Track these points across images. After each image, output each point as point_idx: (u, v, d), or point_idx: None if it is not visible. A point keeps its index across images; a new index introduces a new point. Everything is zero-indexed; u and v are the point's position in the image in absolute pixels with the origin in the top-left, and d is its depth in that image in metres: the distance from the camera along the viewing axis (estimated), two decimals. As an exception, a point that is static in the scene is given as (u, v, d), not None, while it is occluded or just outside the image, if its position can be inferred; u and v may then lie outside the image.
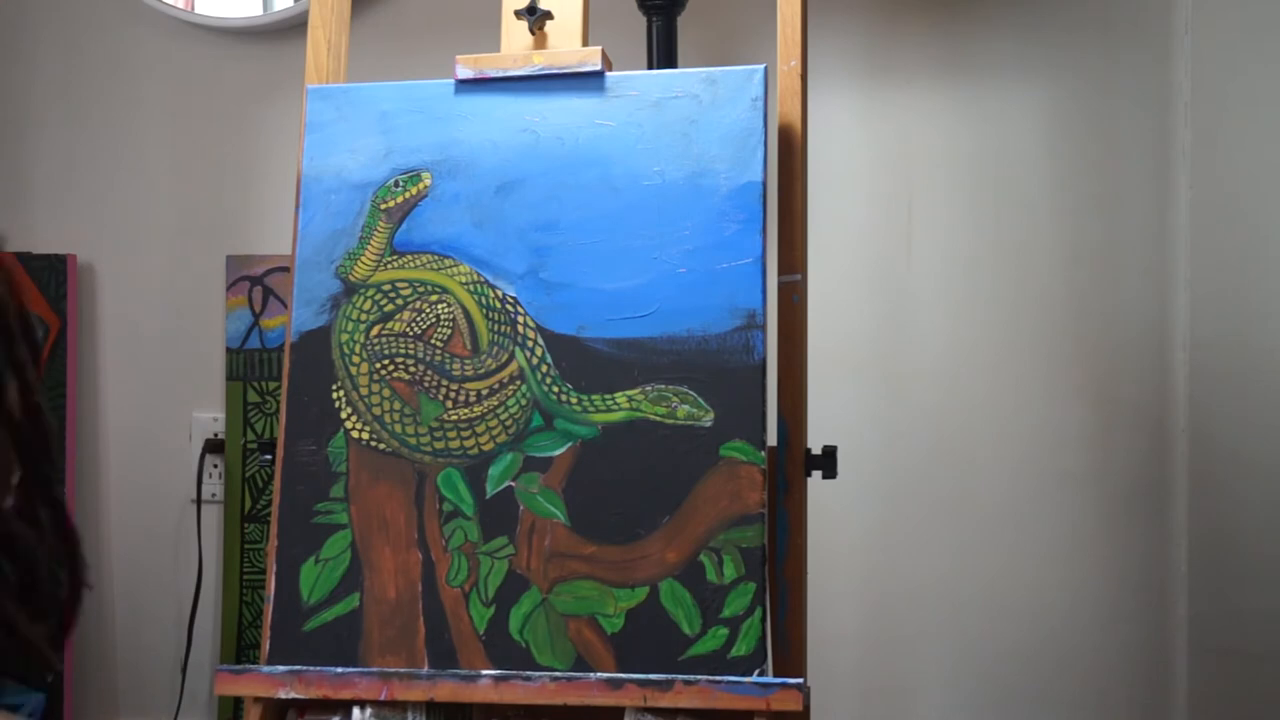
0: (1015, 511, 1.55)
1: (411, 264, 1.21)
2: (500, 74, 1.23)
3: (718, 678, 1.07)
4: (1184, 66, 1.51)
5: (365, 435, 1.18)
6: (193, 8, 1.74)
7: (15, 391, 0.56)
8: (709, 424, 1.13)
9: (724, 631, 1.09)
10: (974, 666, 1.56)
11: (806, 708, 1.06)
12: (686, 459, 1.12)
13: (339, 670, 1.12)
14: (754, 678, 1.07)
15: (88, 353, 1.79)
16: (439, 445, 1.17)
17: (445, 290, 1.20)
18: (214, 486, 1.73)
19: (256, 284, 1.71)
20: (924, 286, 1.57)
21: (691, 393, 1.13)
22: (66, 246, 1.77)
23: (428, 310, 1.20)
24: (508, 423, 1.16)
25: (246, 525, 1.71)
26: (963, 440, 1.56)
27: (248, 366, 1.71)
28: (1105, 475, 1.53)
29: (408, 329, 1.20)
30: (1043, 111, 1.55)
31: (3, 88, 1.82)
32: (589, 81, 1.22)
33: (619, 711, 1.08)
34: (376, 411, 1.19)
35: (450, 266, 1.20)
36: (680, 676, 1.07)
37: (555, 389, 1.16)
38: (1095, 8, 1.54)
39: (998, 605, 1.55)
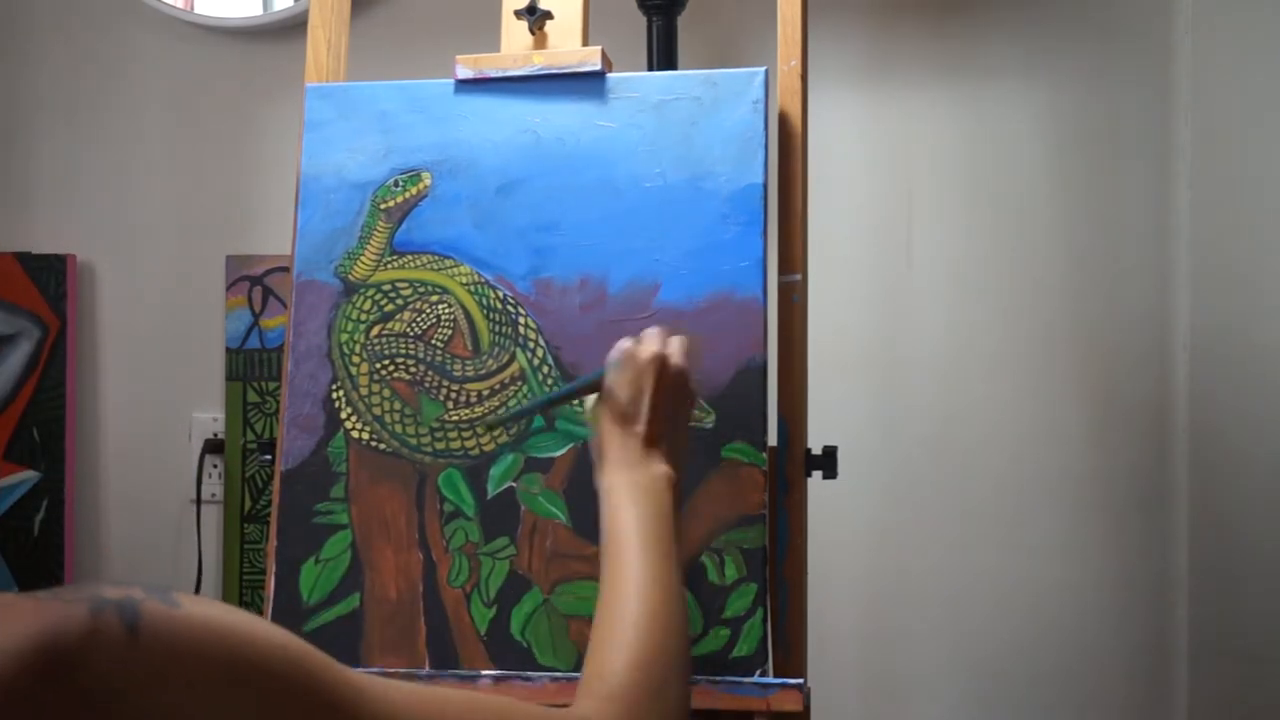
0: (1016, 511, 1.55)
1: (412, 264, 1.21)
2: (500, 74, 1.23)
3: (718, 678, 1.07)
4: (1184, 66, 1.51)
5: (365, 435, 1.18)
6: (193, 8, 1.74)
7: None
8: (710, 425, 1.13)
9: (725, 632, 1.09)
10: (974, 666, 1.56)
11: (807, 708, 1.06)
12: (688, 460, 1.12)
13: (339, 671, 1.12)
14: (754, 678, 1.07)
15: (88, 353, 1.79)
16: (440, 446, 1.17)
17: (446, 291, 1.20)
18: (214, 486, 1.73)
19: (256, 284, 1.71)
20: (924, 286, 1.57)
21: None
22: (66, 246, 1.77)
23: (428, 310, 1.20)
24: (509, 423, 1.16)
25: (246, 525, 1.71)
26: (963, 440, 1.56)
27: (248, 366, 1.71)
28: (1105, 475, 1.53)
29: (408, 329, 1.20)
30: (1043, 111, 1.55)
31: (3, 88, 1.82)
32: (589, 83, 1.22)
33: (619, 712, 1.08)
34: (377, 412, 1.19)
35: (451, 267, 1.20)
36: (681, 677, 1.07)
37: (557, 390, 1.16)
38: (1095, 8, 1.54)
39: (998, 605, 1.55)
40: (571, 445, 1.15)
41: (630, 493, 0.91)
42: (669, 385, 0.96)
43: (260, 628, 0.57)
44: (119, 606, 0.52)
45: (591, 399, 1.01)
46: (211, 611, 0.55)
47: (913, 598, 1.57)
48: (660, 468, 0.93)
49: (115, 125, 1.79)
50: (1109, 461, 1.53)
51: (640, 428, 0.94)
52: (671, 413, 0.96)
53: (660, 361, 0.96)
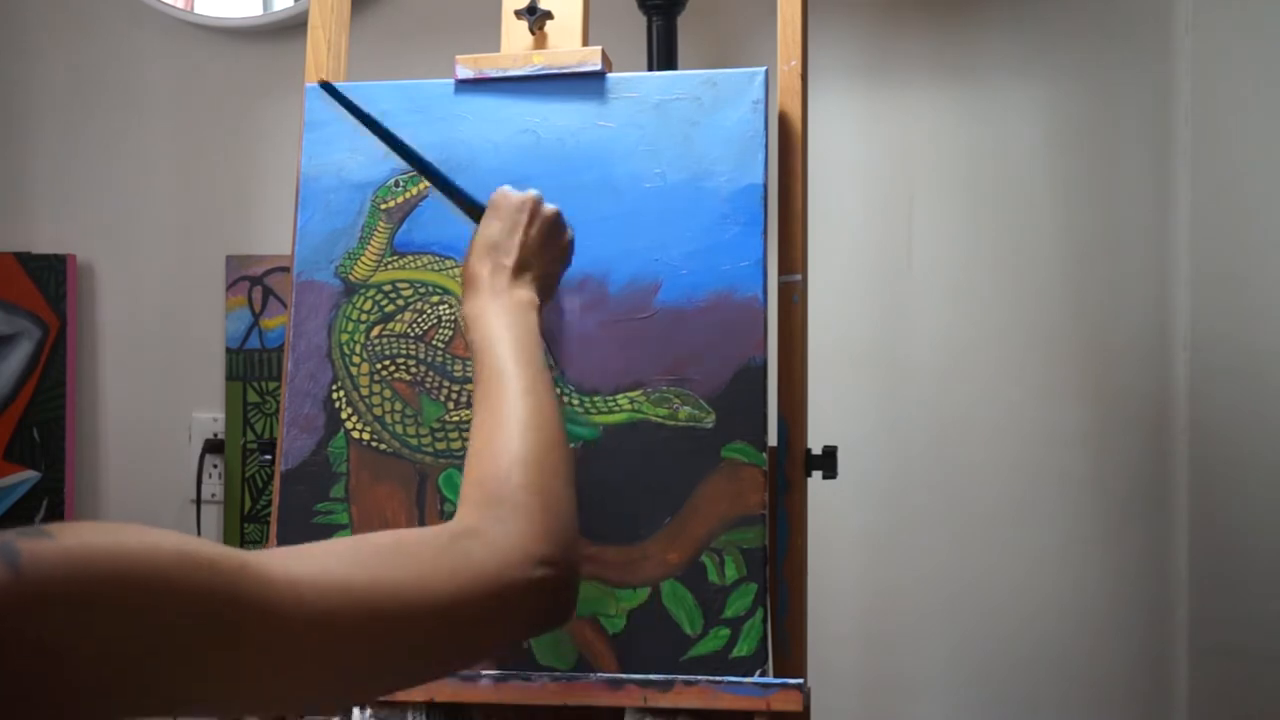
0: (1016, 511, 1.55)
1: (412, 264, 1.21)
2: (500, 74, 1.23)
3: (718, 678, 1.07)
4: (1184, 66, 1.51)
5: (366, 436, 1.18)
6: (193, 8, 1.74)
7: None
8: (710, 425, 1.13)
9: (725, 632, 1.09)
10: (974, 666, 1.56)
11: (806, 708, 1.06)
12: (688, 460, 1.12)
13: (340, 671, 1.11)
14: (754, 678, 1.07)
15: (87, 353, 1.79)
16: (440, 446, 1.17)
17: (447, 291, 1.20)
18: (214, 486, 1.73)
19: (256, 284, 1.71)
20: (924, 286, 1.57)
21: (693, 394, 1.14)
22: (66, 246, 1.78)
23: (429, 311, 1.20)
24: (509, 424, 1.16)
25: (246, 525, 1.71)
26: (963, 440, 1.56)
27: (248, 366, 1.71)
28: (1106, 475, 1.53)
29: (409, 330, 1.20)
30: (1042, 111, 1.55)
31: (3, 87, 1.82)
32: (589, 83, 1.22)
33: (619, 712, 1.08)
34: (377, 412, 1.19)
35: (451, 267, 1.20)
36: (680, 677, 1.07)
37: (557, 390, 1.16)
38: (1095, 8, 1.54)
39: (998, 605, 1.55)
40: (572, 446, 1.15)
41: (498, 316, 0.95)
42: (541, 221, 1.02)
43: (139, 537, 0.57)
44: None
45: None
46: (84, 533, 0.56)
47: (913, 597, 1.57)
48: (525, 293, 0.98)
49: (115, 125, 1.79)
50: (1109, 462, 1.53)
51: (509, 259, 0.99)
52: (540, 246, 1.02)
53: (534, 202, 1.03)
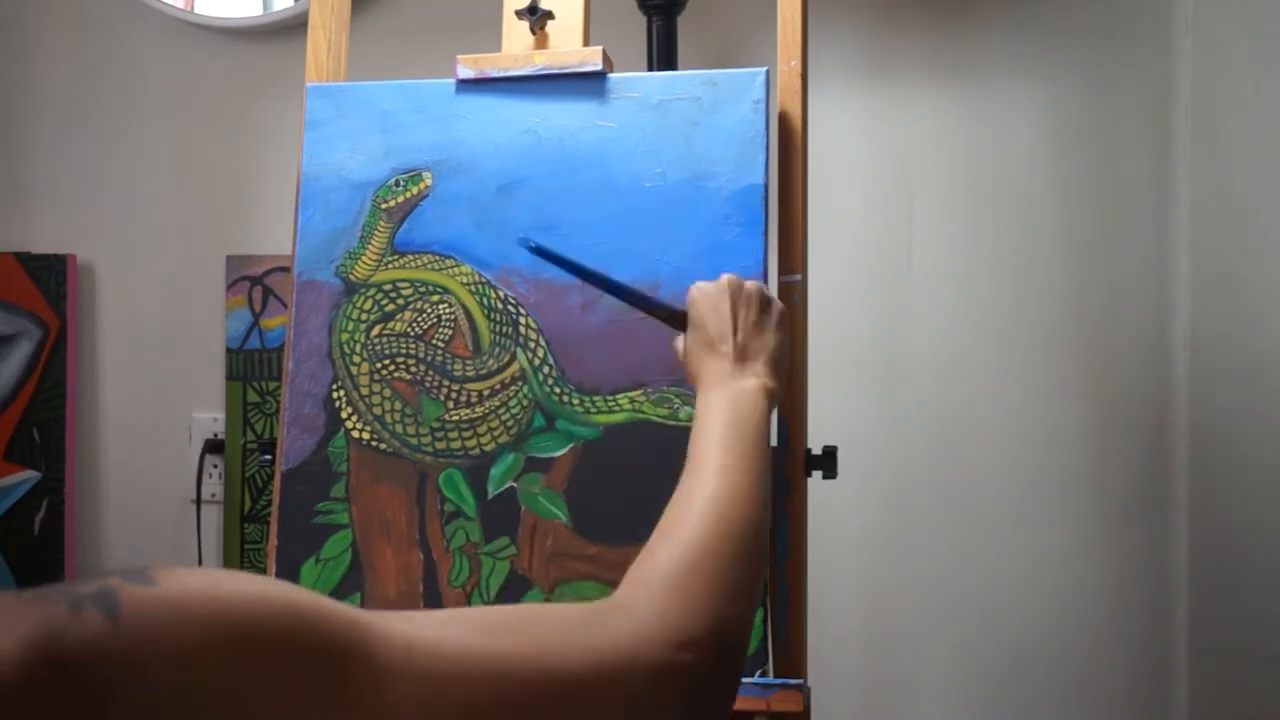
0: (1016, 511, 1.55)
1: (412, 264, 1.21)
2: (501, 74, 1.23)
3: (719, 678, 1.06)
4: (1184, 66, 1.51)
5: (366, 435, 1.18)
6: (193, 7, 1.74)
7: None
8: (710, 425, 1.12)
9: (725, 632, 1.09)
10: (974, 667, 1.56)
11: (807, 708, 1.06)
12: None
13: (340, 670, 1.11)
14: (754, 678, 1.07)
15: (87, 353, 1.79)
16: (440, 446, 1.17)
17: (447, 290, 1.20)
18: (214, 486, 1.73)
19: (256, 284, 1.71)
20: (924, 286, 1.57)
21: (693, 394, 1.13)
22: (66, 246, 1.78)
23: (429, 310, 1.20)
24: (509, 423, 1.16)
25: (246, 525, 1.71)
26: (963, 440, 1.56)
27: (248, 366, 1.71)
28: (1106, 476, 1.53)
29: (409, 329, 1.20)
30: (1042, 111, 1.55)
31: (2, 87, 1.82)
32: (590, 83, 1.22)
33: (620, 712, 1.08)
34: (377, 411, 1.19)
35: (451, 267, 1.20)
36: (681, 677, 1.07)
37: (557, 390, 1.16)
38: (1095, 8, 1.54)
39: (998, 605, 1.55)
40: (571, 445, 1.15)
41: (717, 403, 0.91)
42: (747, 300, 0.99)
43: (244, 587, 0.55)
44: (96, 599, 0.52)
45: (680, 341, 1.02)
46: (191, 582, 0.54)
47: (913, 597, 1.57)
48: (750, 381, 0.94)
49: (115, 125, 1.79)
50: (1109, 462, 1.53)
51: (727, 348, 0.96)
52: (755, 326, 0.98)
53: (735, 283, 1.00)
